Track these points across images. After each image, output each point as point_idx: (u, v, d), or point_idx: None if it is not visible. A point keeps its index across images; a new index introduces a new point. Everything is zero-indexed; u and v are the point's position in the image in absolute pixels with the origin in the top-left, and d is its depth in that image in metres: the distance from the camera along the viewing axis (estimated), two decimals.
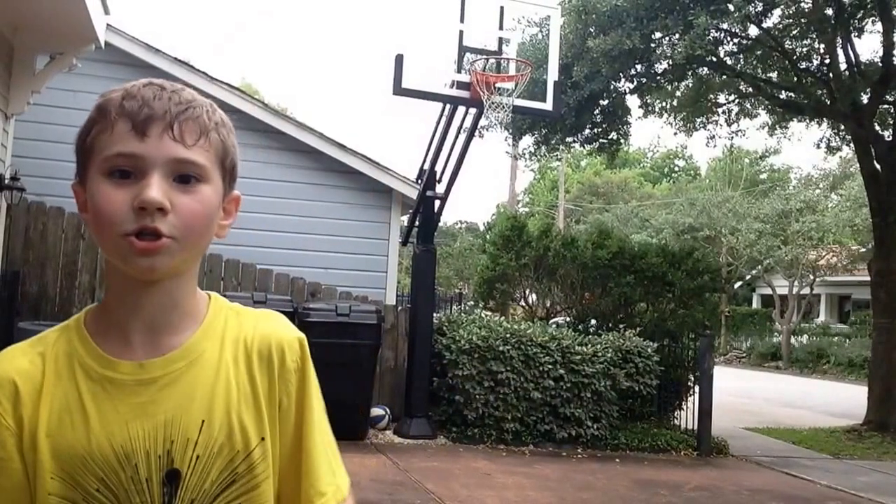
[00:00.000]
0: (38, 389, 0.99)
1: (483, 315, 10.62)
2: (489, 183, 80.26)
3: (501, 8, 8.82)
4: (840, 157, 24.60)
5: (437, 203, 9.46)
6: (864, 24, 12.03)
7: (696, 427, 9.67)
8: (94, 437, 0.99)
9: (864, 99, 12.17)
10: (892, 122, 12.72)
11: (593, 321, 11.31)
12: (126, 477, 1.00)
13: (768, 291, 31.19)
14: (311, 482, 1.13)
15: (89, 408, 1.00)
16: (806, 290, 28.26)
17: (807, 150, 73.75)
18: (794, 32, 12.35)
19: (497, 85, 8.48)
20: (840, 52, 12.09)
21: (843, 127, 13.52)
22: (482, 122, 10.78)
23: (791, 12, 11.37)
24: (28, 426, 0.98)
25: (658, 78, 12.60)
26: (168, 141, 1.04)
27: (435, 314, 9.91)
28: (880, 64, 11.86)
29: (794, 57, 12.62)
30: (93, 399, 1.01)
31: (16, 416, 0.99)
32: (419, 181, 9.78)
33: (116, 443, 1.00)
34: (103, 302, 1.09)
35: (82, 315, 1.10)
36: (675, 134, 14.82)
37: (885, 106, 12.77)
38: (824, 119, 13.65)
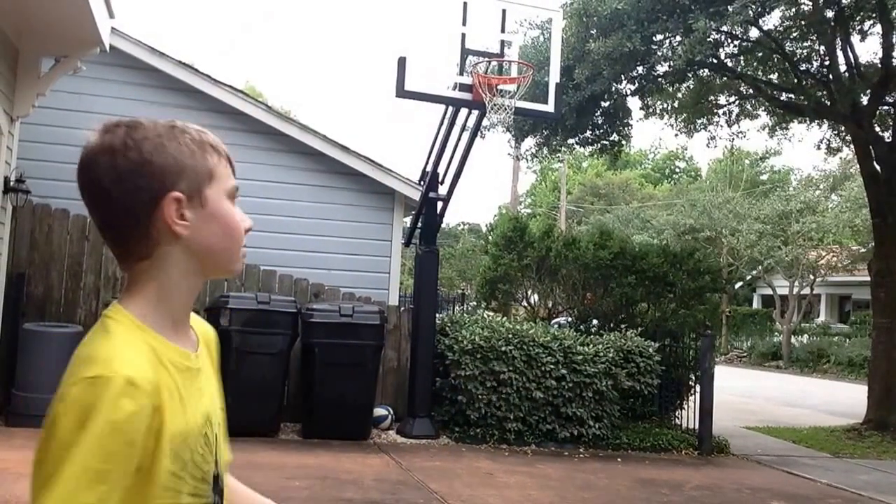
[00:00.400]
0: (157, 384, 1.16)
1: (485, 315, 10.67)
2: (491, 184, 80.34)
3: (503, 11, 8.87)
4: (840, 158, 24.61)
5: (440, 204, 9.52)
6: (863, 25, 12.08)
7: (697, 426, 9.72)
8: (189, 417, 1.20)
9: (864, 100, 12.22)
10: (891, 124, 12.77)
11: (595, 321, 11.36)
12: (202, 445, 1.23)
13: (769, 292, 31.24)
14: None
15: (183, 393, 1.20)
16: (806, 291, 28.30)
17: (807, 152, 73.77)
18: (794, 34, 12.39)
19: (499, 87, 8.53)
20: (840, 53, 12.13)
21: (843, 128, 13.57)
22: (484, 123, 10.84)
23: (791, 14, 11.41)
24: (159, 419, 1.15)
25: (659, 80, 12.64)
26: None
27: (437, 315, 9.96)
28: (880, 65, 11.91)
29: (794, 59, 12.66)
30: (182, 386, 1.21)
31: (157, 417, 1.14)
32: (422, 183, 9.83)
33: (198, 421, 1.22)
34: (153, 302, 1.25)
35: (128, 316, 1.23)
36: (677, 135, 14.87)
37: (885, 107, 12.81)
38: (824, 120, 13.69)
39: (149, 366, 1.17)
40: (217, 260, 1.31)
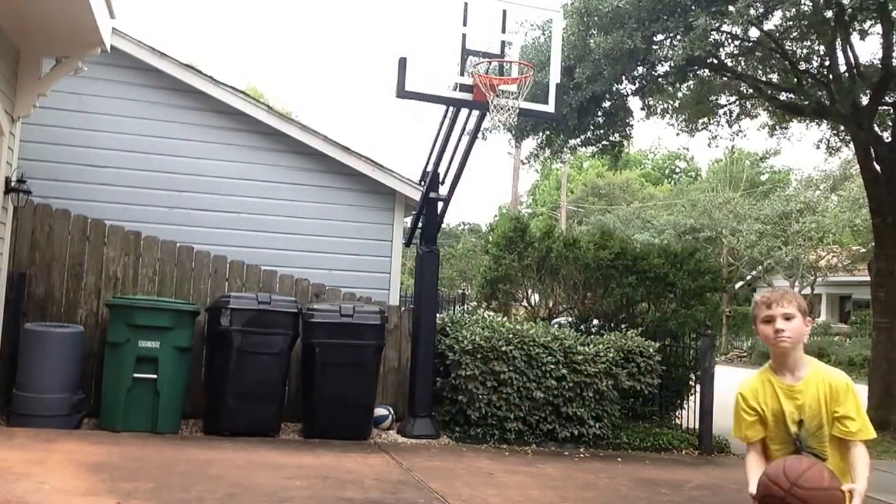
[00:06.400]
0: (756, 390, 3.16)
1: (486, 315, 10.67)
2: (492, 184, 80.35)
3: (504, 11, 8.88)
4: (840, 158, 24.64)
5: (440, 204, 9.53)
6: (863, 25, 12.08)
7: (697, 426, 9.73)
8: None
9: (864, 100, 12.23)
10: (891, 124, 12.78)
11: (595, 321, 11.37)
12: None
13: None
14: None
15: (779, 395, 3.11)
16: (807, 290, 28.31)
17: (807, 152, 73.74)
18: (795, 34, 12.40)
19: (500, 87, 8.54)
20: (840, 53, 12.15)
21: (843, 128, 13.59)
22: (485, 124, 10.85)
23: (791, 14, 11.42)
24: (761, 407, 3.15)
25: (659, 79, 12.65)
26: None
27: (438, 315, 9.97)
28: (880, 66, 11.91)
29: (794, 59, 12.68)
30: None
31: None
32: (422, 183, 9.84)
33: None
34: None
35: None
36: (678, 135, 14.92)
37: (885, 107, 12.82)
38: (824, 120, 13.71)
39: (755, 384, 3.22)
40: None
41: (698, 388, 9.87)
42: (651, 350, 9.52)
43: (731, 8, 10.30)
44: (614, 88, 12.36)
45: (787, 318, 3.03)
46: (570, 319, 11.91)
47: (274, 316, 8.25)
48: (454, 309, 20.28)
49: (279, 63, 71.73)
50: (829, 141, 14.66)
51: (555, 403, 9.02)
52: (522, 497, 6.52)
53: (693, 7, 10.62)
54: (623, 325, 10.22)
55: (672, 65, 11.66)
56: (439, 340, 9.24)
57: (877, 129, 12.75)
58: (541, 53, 11.55)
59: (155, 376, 7.86)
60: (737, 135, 14.92)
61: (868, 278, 13.10)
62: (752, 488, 3.05)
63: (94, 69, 8.64)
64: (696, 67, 12.32)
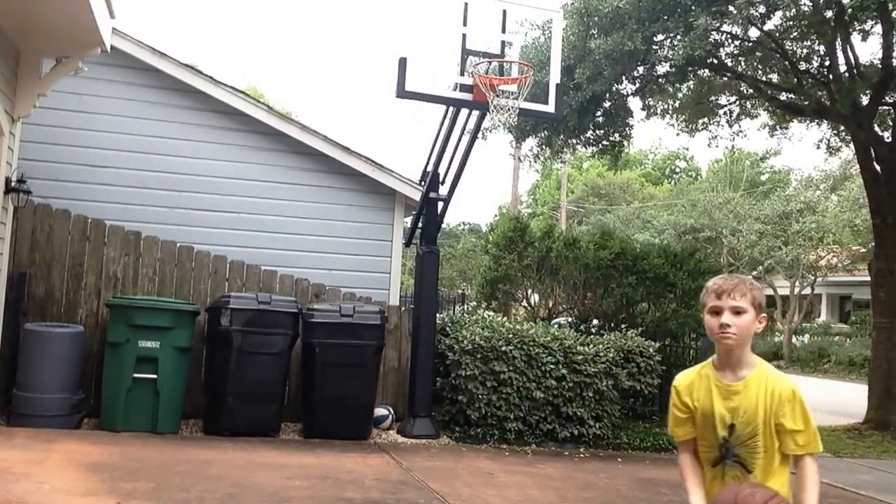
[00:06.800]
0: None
1: (486, 315, 10.68)
2: (492, 184, 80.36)
3: (504, 11, 8.88)
4: (840, 158, 24.64)
5: (440, 204, 9.53)
6: (864, 25, 12.08)
7: None
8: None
9: (864, 100, 12.23)
10: (891, 124, 12.78)
11: (595, 321, 11.37)
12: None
13: (769, 292, 31.20)
14: None
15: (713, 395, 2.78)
16: (807, 291, 28.31)
17: (808, 152, 73.76)
18: (795, 34, 12.40)
19: (500, 87, 8.54)
20: (840, 53, 12.14)
21: (843, 128, 13.58)
22: (486, 124, 10.85)
23: (791, 14, 11.42)
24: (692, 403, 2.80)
25: (660, 80, 12.65)
26: None
27: (438, 315, 9.97)
28: (880, 66, 11.91)
29: (795, 59, 12.68)
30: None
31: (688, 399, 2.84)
32: (422, 183, 9.84)
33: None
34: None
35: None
36: (678, 135, 14.91)
37: (885, 107, 12.82)
38: (824, 120, 13.70)
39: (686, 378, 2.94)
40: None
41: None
42: (651, 350, 9.52)
43: (731, 8, 10.30)
44: (614, 88, 12.35)
45: (737, 312, 2.70)
46: (569, 319, 11.91)
47: (274, 316, 8.25)
48: (454, 309, 20.27)
49: (279, 63, 71.75)
50: (829, 141, 14.66)
51: (555, 403, 9.02)
52: (522, 497, 6.52)
53: (693, 7, 10.62)
54: (623, 325, 10.22)
55: (672, 65, 11.65)
56: (439, 340, 9.24)
57: (877, 129, 12.75)
58: (541, 53, 11.55)
59: (155, 376, 7.85)
60: (737, 135, 14.92)
61: (868, 278, 13.10)
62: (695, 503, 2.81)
63: (94, 69, 8.63)
64: (696, 67, 12.31)
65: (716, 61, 12.57)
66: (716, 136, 14.73)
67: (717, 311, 2.72)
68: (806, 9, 11.06)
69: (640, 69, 12.29)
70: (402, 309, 9.93)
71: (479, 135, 10.35)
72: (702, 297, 2.82)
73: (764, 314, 2.76)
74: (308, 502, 5.72)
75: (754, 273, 29.48)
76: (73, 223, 8.70)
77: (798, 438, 2.69)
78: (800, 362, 26.52)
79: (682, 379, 2.89)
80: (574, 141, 13.84)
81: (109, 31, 7.57)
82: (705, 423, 2.77)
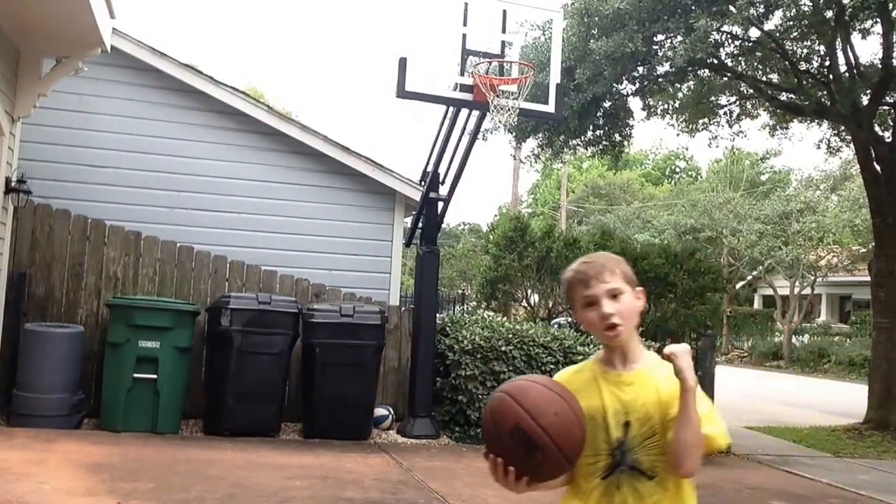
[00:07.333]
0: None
1: (485, 315, 10.68)
2: (492, 184, 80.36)
3: (504, 11, 8.88)
4: (840, 158, 24.64)
5: (441, 204, 9.53)
6: (864, 25, 12.08)
7: None
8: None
9: (864, 100, 12.22)
10: (891, 124, 12.77)
11: None
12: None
13: (769, 292, 31.26)
14: None
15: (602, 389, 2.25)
16: (807, 291, 28.31)
17: (808, 152, 73.81)
18: (795, 34, 12.40)
19: (500, 87, 8.53)
20: (840, 53, 12.14)
21: (843, 128, 13.58)
22: (486, 125, 10.84)
23: (791, 14, 11.41)
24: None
25: (660, 80, 12.65)
26: None
27: (438, 315, 9.96)
28: (880, 65, 11.91)
29: (795, 59, 12.67)
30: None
31: None
32: (422, 183, 9.84)
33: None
34: None
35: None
36: (678, 135, 14.90)
37: (885, 107, 12.82)
38: (824, 120, 13.70)
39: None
40: None
41: (698, 388, 9.84)
42: (651, 350, 9.49)
43: (731, 8, 10.29)
44: (614, 89, 12.35)
45: (614, 295, 2.19)
46: (570, 319, 11.91)
47: (274, 316, 8.25)
48: (454, 309, 20.28)
49: (279, 63, 71.76)
50: (829, 141, 14.65)
51: None
52: (522, 496, 6.52)
53: (694, 8, 10.61)
54: None
55: (672, 65, 11.65)
56: (439, 340, 9.24)
57: (877, 129, 12.74)
58: (541, 54, 11.54)
59: (155, 376, 7.86)
60: (737, 135, 14.90)
61: (868, 278, 13.09)
62: None
63: (94, 69, 8.63)
64: (696, 68, 12.31)
65: (716, 61, 12.57)
66: (716, 137, 14.72)
67: (591, 303, 2.21)
68: (806, 9, 11.05)
69: (641, 69, 12.28)
70: (402, 309, 9.93)
71: (480, 136, 10.35)
72: (566, 291, 2.33)
73: (639, 287, 2.27)
74: (308, 502, 5.72)
75: (754, 273, 29.51)
76: (73, 223, 8.70)
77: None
78: (800, 362, 26.52)
79: (560, 375, 2.35)
80: (574, 142, 13.84)
81: (109, 31, 7.57)
82: (594, 425, 2.18)
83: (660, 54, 11.61)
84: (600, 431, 2.20)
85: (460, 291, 29.19)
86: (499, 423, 2.06)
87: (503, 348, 8.89)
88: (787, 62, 12.60)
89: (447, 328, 9.39)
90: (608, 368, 2.27)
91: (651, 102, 13.88)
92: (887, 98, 12.51)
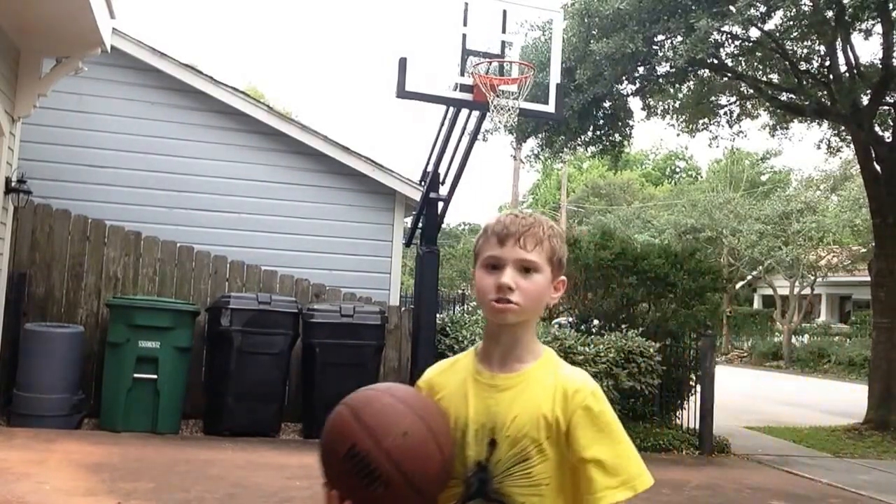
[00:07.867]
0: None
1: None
2: (492, 184, 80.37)
3: (504, 12, 8.87)
4: (840, 158, 24.64)
5: (441, 205, 9.52)
6: (865, 24, 12.07)
7: (697, 426, 9.72)
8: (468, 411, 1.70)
9: (864, 100, 12.23)
10: (891, 124, 12.78)
11: (595, 321, 11.36)
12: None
13: (769, 292, 31.24)
14: None
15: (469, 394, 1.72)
16: (807, 291, 28.31)
17: (808, 152, 73.81)
18: (795, 34, 12.40)
19: (500, 88, 8.53)
20: (840, 53, 12.14)
21: (843, 128, 13.58)
22: (486, 125, 10.83)
23: (792, 14, 11.42)
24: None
25: (660, 80, 12.65)
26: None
27: (438, 315, 9.96)
28: (880, 65, 11.91)
29: (795, 59, 12.68)
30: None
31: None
32: (422, 183, 9.84)
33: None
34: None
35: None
36: (678, 135, 14.92)
37: (885, 107, 12.82)
38: (824, 120, 13.70)
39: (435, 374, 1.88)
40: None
41: (698, 388, 9.86)
42: (651, 350, 9.50)
43: (731, 8, 10.29)
44: (615, 89, 12.34)
45: (526, 269, 1.67)
46: (570, 319, 11.90)
47: (274, 316, 8.25)
48: (454, 309, 20.27)
49: (279, 63, 71.76)
50: (829, 141, 14.65)
51: None
52: None
53: (694, 8, 10.62)
54: (623, 326, 10.21)
55: (672, 65, 11.65)
56: (439, 340, 9.23)
57: (877, 129, 12.75)
58: (541, 54, 11.53)
59: (155, 376, 7.85)
60: (737, 135, 14.93)
61: (868, 278, 13.10)
62: None
63: (94, 69, 8.63)
64: (696, 68, 12.31)
65: (716, 61, 12.57)
66: (716, 137, 14.74)
67: (494, 265, 1.69)
68: (806, 9, 11.05)
69: (641, 69, 12.28)
70: (402, 309, 9.93)
71: (480, 136, 10.35)
72: (476, 243, 1.76)
73: (563, 278, 1.78)
74: (308, 502, 5.72)
75: (754, 273, 29.51)
76: (73, 223, 8.70)
77: (602, 470, 1.59)
78: (800, 362, 26.51)
79: (430, 372, 1.88)
80: (575, 142, 13.84)
81: (109, 31, 7.57)
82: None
83: (660, 54, 11.61)
84: (458, 448, 1.68)
85: (460, 291, 29.19)
86: (334, 444, 1.68)
87: None
88: (787, 62, 12.60)
89: (447, 328, 9.38)
90: (483, 367, 1.76)
91: (651, 102, 13.89)
92: (887, 98, 12.52)
